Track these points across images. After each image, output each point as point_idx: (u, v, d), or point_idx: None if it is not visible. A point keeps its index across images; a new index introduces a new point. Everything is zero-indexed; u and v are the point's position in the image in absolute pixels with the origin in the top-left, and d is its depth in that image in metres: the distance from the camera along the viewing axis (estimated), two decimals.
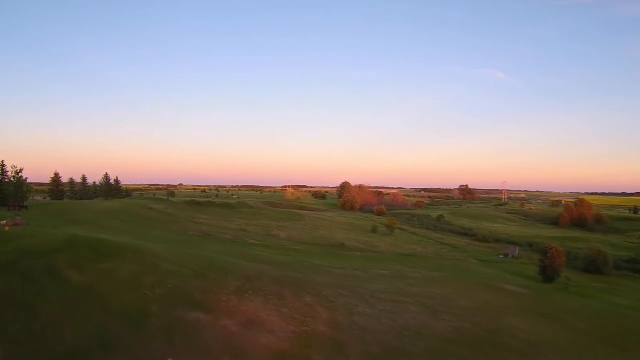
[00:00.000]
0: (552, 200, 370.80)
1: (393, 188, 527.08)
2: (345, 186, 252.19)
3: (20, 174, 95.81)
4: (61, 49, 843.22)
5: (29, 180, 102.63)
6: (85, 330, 14.93)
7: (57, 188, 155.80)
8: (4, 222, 49.43)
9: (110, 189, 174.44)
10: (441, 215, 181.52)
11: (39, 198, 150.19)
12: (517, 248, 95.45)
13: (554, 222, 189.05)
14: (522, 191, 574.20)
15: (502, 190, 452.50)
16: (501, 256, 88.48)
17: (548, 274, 59.04)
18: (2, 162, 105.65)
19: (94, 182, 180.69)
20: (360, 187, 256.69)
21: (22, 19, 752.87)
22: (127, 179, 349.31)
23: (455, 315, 24.33)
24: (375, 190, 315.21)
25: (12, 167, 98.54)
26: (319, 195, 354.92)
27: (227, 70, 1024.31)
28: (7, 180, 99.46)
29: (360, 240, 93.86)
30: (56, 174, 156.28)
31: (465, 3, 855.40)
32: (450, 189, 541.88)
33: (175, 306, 18.33)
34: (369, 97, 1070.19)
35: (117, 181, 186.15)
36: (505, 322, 24.81)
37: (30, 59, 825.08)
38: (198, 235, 71.36)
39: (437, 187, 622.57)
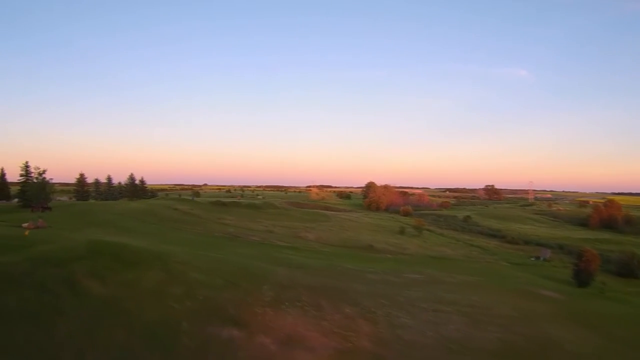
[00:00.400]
0: (579, 201, 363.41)
1: (417, 188, 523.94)
2: (370, 186, 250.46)
3: (43, 175, 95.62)
4: (79, 49, 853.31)
5: (54, 180, 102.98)
6: (107, 350, 13.68)
7: (82, 188, 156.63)
8: (26, 224, 49.47)
9: (135, 190, 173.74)
10: (468, 216, 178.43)
11: (64, 198, 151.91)
12: (549, 250, 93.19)
13: (583, 223, 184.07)
14: (547, 191, 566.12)
15: (527, 190, 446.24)
16: (532, 259, 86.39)
17: (582, 278, 57.45)
18: (26, 163, 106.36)
19: (119, 183, 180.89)
20: (386, 187, 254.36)
21: (42, 19, 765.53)
22: (152, 179, 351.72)
23: (498, 325, 23.17)
24: (401, 190, 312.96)
25: (35, 168, 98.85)
26: (344, 195, 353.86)
27: (256, 70, 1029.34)
28: (30, 182, 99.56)
29: (389, 241, 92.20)
30: (81, 175, 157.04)
31: (486, 2, 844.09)
32: (475, 189, 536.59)
33: (207, 321, 16.96)
34: (391, 97, 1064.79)
35: (142, 181, 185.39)
36: (548, 331, 23.83)
37: (48, 58, 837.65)
38: (224, 236, 70.50)
39: (462, 187, 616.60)
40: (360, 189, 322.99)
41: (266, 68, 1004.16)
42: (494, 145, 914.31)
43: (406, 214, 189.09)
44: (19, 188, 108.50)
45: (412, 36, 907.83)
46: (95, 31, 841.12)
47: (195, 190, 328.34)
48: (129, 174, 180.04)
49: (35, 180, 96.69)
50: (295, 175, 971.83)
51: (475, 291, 35.10)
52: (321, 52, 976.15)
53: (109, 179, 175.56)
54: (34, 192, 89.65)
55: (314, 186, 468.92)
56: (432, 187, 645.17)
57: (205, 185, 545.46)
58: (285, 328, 17.53)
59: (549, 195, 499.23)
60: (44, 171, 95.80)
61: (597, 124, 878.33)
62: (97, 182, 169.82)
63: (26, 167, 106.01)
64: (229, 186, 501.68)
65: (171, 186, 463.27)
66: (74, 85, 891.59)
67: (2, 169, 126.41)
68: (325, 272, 35.82)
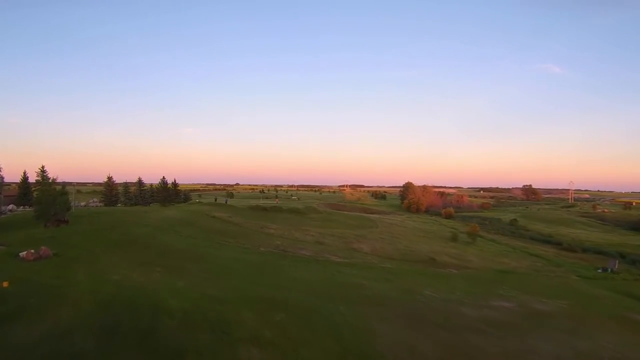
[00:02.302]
0: (622, 202, 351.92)
1: (450, 187, 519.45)
2: (408, 187, 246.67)
3: (54, 185, 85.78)
4: (108, 51, 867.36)
5: (88, 180, 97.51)
6: None
7: (110, 192, 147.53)
8: (24, 253, 40.25)
9: (168, 194, 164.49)
10: (514, 219, 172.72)
11: (94, 200, 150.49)
12: (616, 261, 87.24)
13: (634, 227, 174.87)
14: (583, 190, 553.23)
15: (567, 190, 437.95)
16: (599, 270, 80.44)
17: None
18: (43, 167, 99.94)
19: (151, 185, 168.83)
20: (424, 187, 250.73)
21: (65, 22, 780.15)
22: (183, 179, 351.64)
23: None
24: (438, 190, 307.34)
25: (44, 178, 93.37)
26: (379, 195, 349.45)
27: (292, 70, 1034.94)
28: (42, 192, 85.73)
29: (448, 252, 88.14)
30: (109, 178, 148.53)
31: None
32: (509, 188, 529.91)
33: None
34: (422, 97, 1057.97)
35: (174, 184, 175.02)
36: None
37: (78, 60, 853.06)
38: (273, 252, 64.72)
39: (495, 187, 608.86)
40: (395, 189, 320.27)
41: (300, 68, 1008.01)
42: (527, 144, 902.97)
43: (448, 216, 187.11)
44: (34, 195, 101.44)
45: (442, 35, 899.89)
46: (123, 34, 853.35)
47: (228, 191, 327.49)
48: (161, 177, 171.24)
49: (46, 192, 78.17)
50: (327, 174, 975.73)
51: (587, 327, 31.25)
52: (346, 53, 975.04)
53: (140, 181, 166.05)
54: (43, 207, 76.09)
55: (347, 186, 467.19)
56: (465, 186, 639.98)
57: (237, 184, 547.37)
58: None
59: (587, 196, 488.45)
60: (54, 180, 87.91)
61: (631, 123, 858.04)
62: (126, 185, 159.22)
63: (42, 172, 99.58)
64: (261, 186, 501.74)
65: (203, 186, 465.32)
66: (105, 86, 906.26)
67: (25, 172, 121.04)
68: (417, 309, 30.95)
